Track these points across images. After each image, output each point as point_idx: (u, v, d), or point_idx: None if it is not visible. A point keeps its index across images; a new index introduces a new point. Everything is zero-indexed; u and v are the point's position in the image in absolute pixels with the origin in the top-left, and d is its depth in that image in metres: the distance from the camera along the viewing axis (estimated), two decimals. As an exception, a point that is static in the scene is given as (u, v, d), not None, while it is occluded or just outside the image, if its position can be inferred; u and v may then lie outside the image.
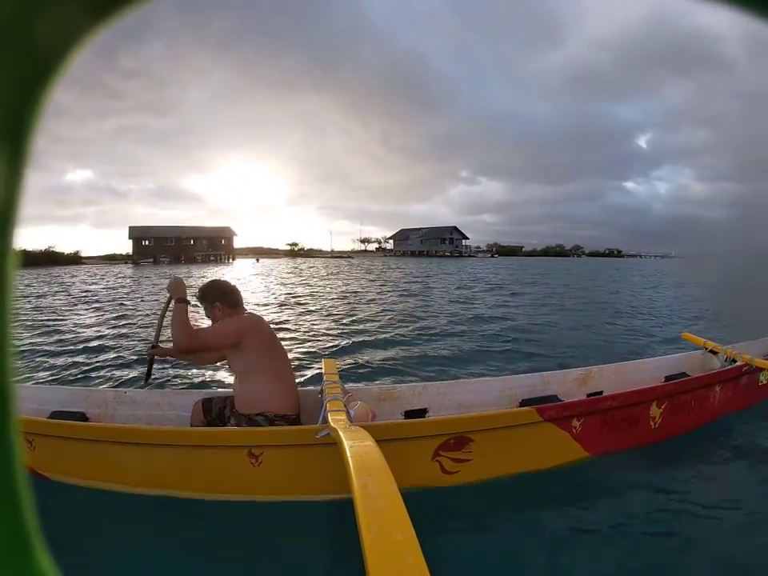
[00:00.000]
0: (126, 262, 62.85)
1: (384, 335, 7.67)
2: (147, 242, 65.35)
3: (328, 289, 18.30)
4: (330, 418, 2.27)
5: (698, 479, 2.76)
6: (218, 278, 2.89)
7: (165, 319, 2.82)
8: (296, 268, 38.71)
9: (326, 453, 2.19)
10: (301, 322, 9.31)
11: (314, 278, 25.96)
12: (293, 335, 7.78)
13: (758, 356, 3.72)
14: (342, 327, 8.67)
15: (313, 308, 11.69)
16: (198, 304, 2.80)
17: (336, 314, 10.44)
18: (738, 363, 3.63)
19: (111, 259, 72.60)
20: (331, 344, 6.98)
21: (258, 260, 69.76)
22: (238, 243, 74.33)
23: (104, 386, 4.69)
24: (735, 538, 2.22)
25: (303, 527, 2.27)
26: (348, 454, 1.57)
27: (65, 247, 64.37)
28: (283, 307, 12.07)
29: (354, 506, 1.20)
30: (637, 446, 2.97)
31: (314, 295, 15.42)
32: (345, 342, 7.10)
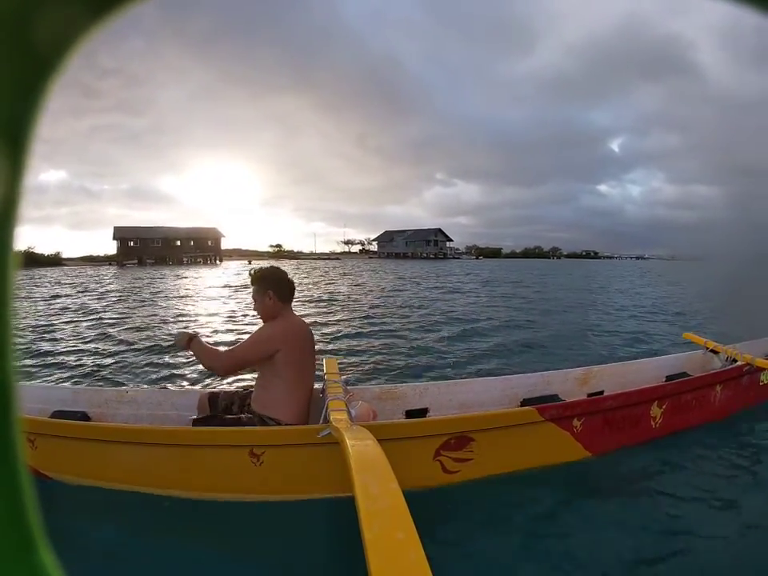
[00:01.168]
0: (109, 264, 61.32)
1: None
2: (133, 243, 62.83)
3: (367, 288, 18.81)
4: (331, 417, 2.27)
5: (699, 479, 2.76)
6: (275, 266, 2.82)
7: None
8: (299, 270, 38.67)
9: (328, 452, 2.19)
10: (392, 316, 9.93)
11: (336, 278, 26.04)
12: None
13: (758, 356, 3.71)
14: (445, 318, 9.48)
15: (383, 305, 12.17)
16: (251, 285, 2.68)
17: (412, 307, 11.20)
18: (738, 363, 3.63)
19: (92, 261, 70.62)
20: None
21: (250, 262, 68.63)
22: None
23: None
24: (734, 536, 2.22)
25: (304, 526, 2.27)
26: (349, 453, 1.58)
27: (39, 249, 61.98)
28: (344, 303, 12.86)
29: (355, 505, 1.20)
30: (637, 445, 2.97)
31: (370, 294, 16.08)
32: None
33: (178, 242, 65.36)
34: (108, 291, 17.80)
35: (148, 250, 62.78)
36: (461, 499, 2.45)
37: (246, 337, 2.70)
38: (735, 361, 3.69)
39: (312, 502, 2.36)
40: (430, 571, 0.94)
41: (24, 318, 9.86)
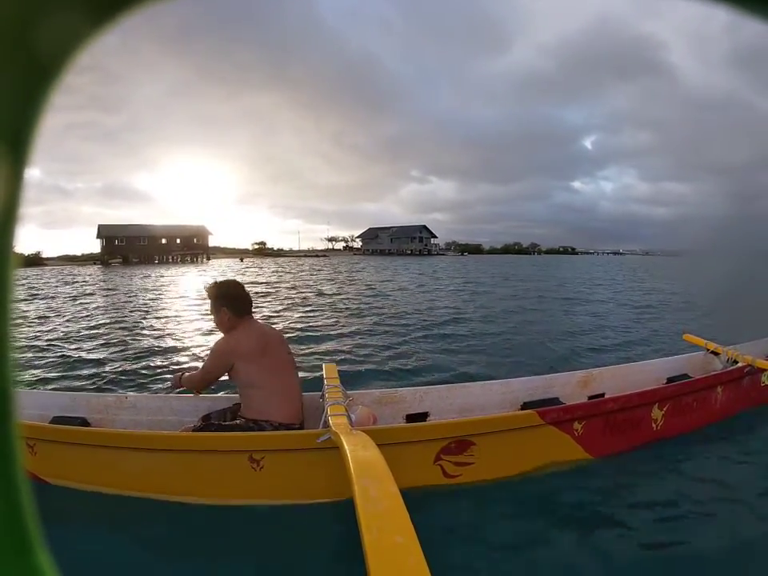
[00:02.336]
0: (94, 263, 59.95)
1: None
2: (119, 241, 61.60)
3: (400, 284, 19.33)
4: (331, 422, 2.27)
5: (700, 481, 2.75)
6: (230, 280, 2.82)
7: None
8: (303, 269, 38.44)
9: (328, 457, 2.18)
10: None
11: (356, 276, 25.73)
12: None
13: (759, 357, 3.71)
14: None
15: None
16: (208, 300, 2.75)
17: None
18: (739, 364, 3.62)
19: (73, 260, 69.05)
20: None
21: (242, 259, 67.41)
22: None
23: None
24: (737, 539, 2.22)
25: (304, 531, 2.26)
26: (349, 457, 1.57)
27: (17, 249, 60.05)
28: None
29: (355, 510, 1.20)
30: (639, 448, 2.96)
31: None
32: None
33: (163, 240, 64.31)
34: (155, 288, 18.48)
35: (134, 249, 61.65)
36: (461, 503, 2.44)
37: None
38: (736, 362, 3.68)
39: (312, 507, 2.36)
40: (429, 575, 0.93)
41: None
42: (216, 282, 2.76)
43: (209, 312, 2.78)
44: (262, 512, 2.36)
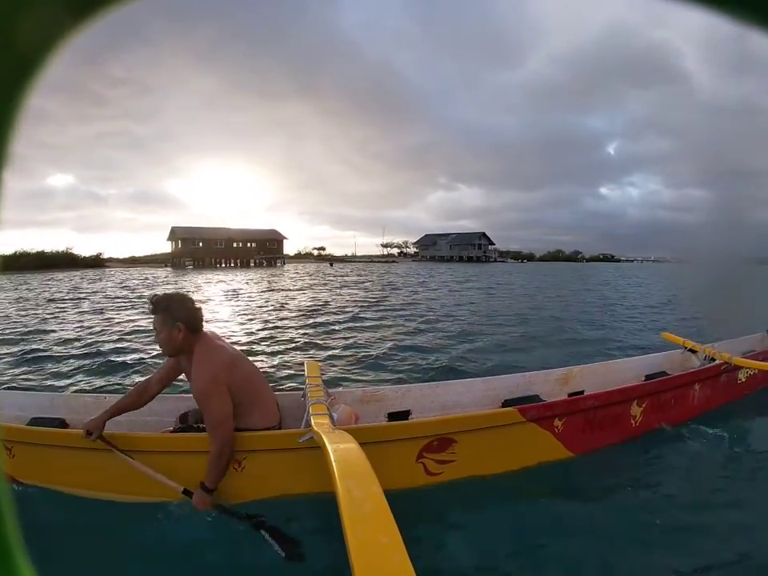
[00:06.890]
0: (165, 265, 59.20)
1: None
2: (195, 244, 60.89)
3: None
4: (313, 421, 2.26)
5: (677, 476, 2.80)
6: (182, 293, 2.52)
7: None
8: (411, 272, 37.94)
9: (310, 457, 2.18)
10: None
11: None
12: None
13: (736, 355, 3.78)
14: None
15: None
16: (154, 314, 2.37)
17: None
18: (716, 362, 3.69)
19: (134, 262, 67.97)
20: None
21: (332, 264, 67.31)
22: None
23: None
24: (718, 532, 2.26)
25: (288, 530, 2.25)
26: (332, 457, 1.57)
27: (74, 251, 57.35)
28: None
29: (338, 510, 1.19)
30: (618, 444, 3.00)
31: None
32: None
33: (235, 245, 64.21)
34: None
35: (211, 252, 61.64)
36: (444, 501, 2.45)
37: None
38: (713, 360, 3.75)
39: (294, 506, 2.35)
40: (414, 574, 0.94)
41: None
42: (166, 294, 2.43)
43: (154, 327, 2.40)
44: (245, 511, 2.34)
